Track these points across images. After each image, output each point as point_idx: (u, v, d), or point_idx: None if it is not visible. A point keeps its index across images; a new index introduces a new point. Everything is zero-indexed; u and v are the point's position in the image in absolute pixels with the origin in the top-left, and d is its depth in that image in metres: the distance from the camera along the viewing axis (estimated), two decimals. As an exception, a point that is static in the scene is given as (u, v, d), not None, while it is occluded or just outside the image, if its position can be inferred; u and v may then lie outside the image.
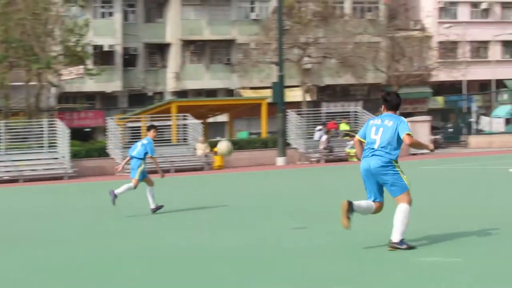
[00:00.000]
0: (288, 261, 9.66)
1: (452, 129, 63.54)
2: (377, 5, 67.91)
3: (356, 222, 10.07)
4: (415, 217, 13.51)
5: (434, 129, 56.96)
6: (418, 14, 69.20)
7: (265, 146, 44.39)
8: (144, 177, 16.74)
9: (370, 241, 10.65)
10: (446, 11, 71.68)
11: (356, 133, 40.03)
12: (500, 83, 70.50)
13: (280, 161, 42.07)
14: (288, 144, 44.05)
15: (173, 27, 62.74)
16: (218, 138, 45.42)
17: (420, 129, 49.17)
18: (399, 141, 9.82)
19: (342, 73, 59.79)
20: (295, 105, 53.64)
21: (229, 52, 64.60)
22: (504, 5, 72.99)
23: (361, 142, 10.22)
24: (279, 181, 28.37)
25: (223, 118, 56.89)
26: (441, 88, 69.82)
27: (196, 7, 63.66)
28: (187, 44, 63.40)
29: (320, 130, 45.66)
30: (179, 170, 38.70)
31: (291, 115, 45.67)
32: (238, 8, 64.67)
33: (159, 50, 63.82)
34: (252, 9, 65.14)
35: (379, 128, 9.93)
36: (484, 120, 62.28)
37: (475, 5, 72.43)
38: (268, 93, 47.59)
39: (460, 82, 66.65)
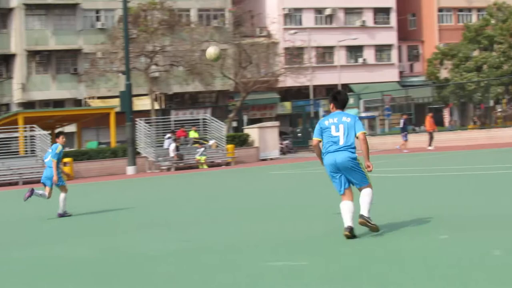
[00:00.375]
0: (137, 268, 9.37)
1: (300, 134, 64.56)
2: (223, 13, 68.30)
3: (213, 231, 9.88)
4: (263, 222, 13.48)
5: (282, 134, 57.70)
6: (264, 21, 70.03)
7: (115, 156, 43.80)
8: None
9: (219, 246, 10.53)
10: (291, 17, 72.86)
11: (206, 140, 40.02)
12: (346, 88, 72.18)
13: (130, 170, 41.63)
14: (138, 153, 43.69)
15: (18, 38, 61.16)
16: (67, 149, 44.48)
17: (269, 134, 49.70)
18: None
19: (190, 81, 59.72)
20: (144, 113, 53.19)
21: (76, 61, 63.55)
22: (348, 11, 74.84)
23: (319, 143, 10.72)
24: (129, 190, 27.87)
25: (71, 128, 55.85)
26: (288, 93, 70.92)
27: (40, 17, 62.26)
28: (32, 54, 61.93)
29: (169, 138, 45.48)
30: (28, 182, 37.61)
31: (140, 123, 45.29)
32: (84, 18, 63.68)
33: (4, 61, 62.11)
34: (98, 18, 64.25)
35: (338, 125, 10.51)
36: (332, 124, 63.37)
37: (319, 11, 73.92)
38: (116, 102, 47.04)
39: (307, 87, 67.84)
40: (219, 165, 45.62)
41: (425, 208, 13.40)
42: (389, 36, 75.80)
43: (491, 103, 62.82)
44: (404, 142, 43.69)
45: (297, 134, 64.94)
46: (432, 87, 62.24)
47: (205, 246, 10.85)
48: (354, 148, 10.55)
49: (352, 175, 10.54)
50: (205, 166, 44.25)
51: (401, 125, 45.07)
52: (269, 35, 69.85)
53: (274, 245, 10.49)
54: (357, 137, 10.53)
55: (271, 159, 48.48)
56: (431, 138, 44.22)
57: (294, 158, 49.37)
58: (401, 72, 76.58)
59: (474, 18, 76.75)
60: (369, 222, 10.39)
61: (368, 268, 8.34)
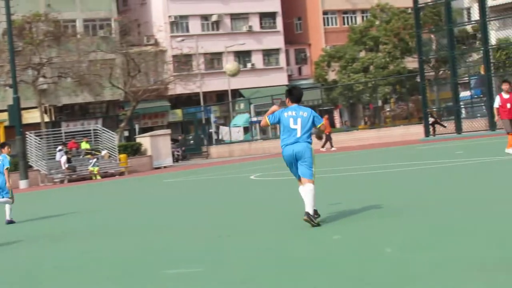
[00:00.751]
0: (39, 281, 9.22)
1: (192, 141, 64.53)
2: (109, 22, 67.68)
3: (110, 242, 9.76)
4: (159, 232, 13.44)
5: (173, 142, 57.60)
6: (151, 29, 69.74)
7: (6, 171, 42.83)
8: None
9: (117, 257, 10.46)
10: (178, 25, 72.76)
11: (98, 151, 39.48)
12: (236, 93, 72.54)
13: (22, 184, 40.99)
14: (30, 167, 42.99)
15: None
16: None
17: (162, 142, 49.54)
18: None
19: (79, 92, 59.02)
20: (34, 126, 52.31)
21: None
22: (234, 17, 75.21)
23: (266, 124, 11.83)
24: (19, 205, 27.28)
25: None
26: (179, 101, 70.78)
27: None
28: None
29: (60, 150, 44.88)
30: None
31: (30, 137, 44.56)
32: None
33: None
34: (-19, 32, 62.78)
35: (296, 118, 11.37)
36: (224, 130, 63.78)
37: (205, 17, 74.07)
38: (4, 116, 46.05)
39: (197, 94, 67.86)
40: (112, 175, 45.23)
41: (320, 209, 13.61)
42: (276, 40, 76.51)
43: (380, 103, 64.15)
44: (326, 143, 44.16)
45: (189, 141, 64.89)
46: (321, 89, 63.12)
47: (98, 257, 10.75)
48: (310, 138, 11.46)
49: (302, 162, 11.36)
50: (98, 177, 43.79)
51: None
52: (156, 43, 69.59)
53: (170, 253, 10.48)
54: (316, 128, 11.63)
55: (165, 167, 48.33)
56: (328, 139, 44.57)
57: (187, 165, 49.34)
58: (289, 76, 77.40)
59: (358, 20, 78.21)
60: (312, 221, 11.19)
61: (262, 273, 8.41)
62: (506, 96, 22.38)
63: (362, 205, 13.05)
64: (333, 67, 69.06)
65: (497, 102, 22.65)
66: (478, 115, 45.39)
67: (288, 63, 77.91)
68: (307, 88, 70.63)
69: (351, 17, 79.85)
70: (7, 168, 17.63)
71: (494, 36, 52.85)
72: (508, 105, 22.20)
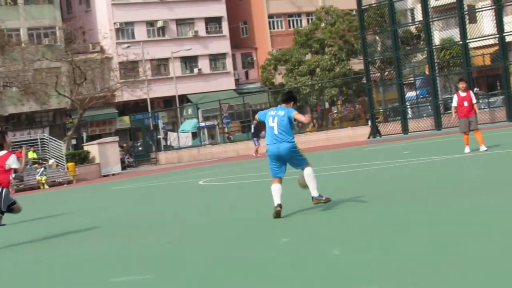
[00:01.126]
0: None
1: (141, 147, 64.26)
2: (54, 30, 67.18)
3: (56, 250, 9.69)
4: (107, 238, 13.37)
5: (121, 149, 57.33)
6: (96, 36, 69.29)
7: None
8: None
9: (62, 265, 10.40)
10: (123, 31, 72.48)
11: (45, 160, 39.18)
12: (184, 98, 72.42)
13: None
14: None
15: None
16: None
17: (110, 150, 49.30)
18: (291, 125, 12.49)
19: (25, 101, 58.42)
20: (-22, 138, 51.56)
21: None
22: (179, 22, 75.13)
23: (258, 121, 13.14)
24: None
25: None
26: (126, 107, 70.50)
27: None
28: None
29: (7, 161, 44.30)
30: None
31: (-25, 148, 43.91)
32: None
33: None
34: None
35: (274, 117, 12.54)
36: (172, 135, 63.63)
37: (151, 23, 73.87)
38: None
39: (144, 100, 67.59)
40: (60, 184, 44.88)
41: (263, 214, 13.70)
42: (222, 45, 76.60)
43: (327, 105, 64.46)
44: (257, 147, 44.28)
45: (138, 148, 64.61)
46: (268, 92, 63.29)
47: (45, 266, 10.67)
48: (292, 136, 12.53)
49: (293, 161, 12.55)
50: (46, 186, 43.43)
51: (252, 130, 45.59)
52: (102, 51, 69.18)
53: (117, 260, 10.44)
54: (295, 120, 12.57)
55: (113, 174, 48.09)
56: None
57: (136, 172, 49.15)
58: (237, 80, 77.54)
59: (304, 23, 78.62)
60: (321, 200, 12.54)
61: (215, 276, 8.43)
62: (463, 94, 22.42)
63: (312, 207, 13.13)
64: (280, 71, 69.26)
65: (454, 101, 22.65)
66: (424, 115, 45.87)
67: (235, 68, 78.03)
68: (254, 92, 70.90)
69: (297, 20, 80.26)
70: None
71: (437, 36, 53.50)
72: (465, 104, 22.27)
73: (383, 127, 44.74)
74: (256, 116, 13.18)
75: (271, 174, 12.71)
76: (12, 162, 14.01)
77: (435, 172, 18.24)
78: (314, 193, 12.54)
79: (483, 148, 21.90)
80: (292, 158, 12.53)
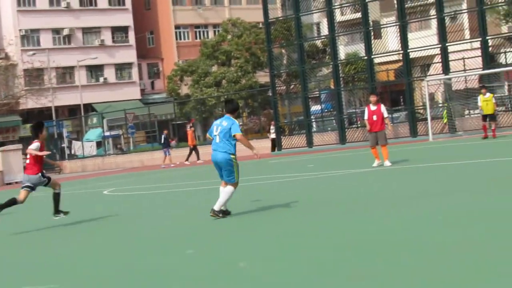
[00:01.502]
0: None
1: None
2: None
3: None
4: (10, 248, 13.19)
5: (24, 156, 56.37)
6: (1, 42, 68.06)
7: None
8: None
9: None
10: (29, 38, 71.39)
11: None
12: (89, 107, 71.73)
13: None
14: None
15: None
16: None
17: (13, 157, 48.47)
18: (232, 137, 13.20)
19: None
20: None
21: None
22: (86, 31, 74.44)
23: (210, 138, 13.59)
24: None
25: None
26: (30, 115, 69.39)
27: None
28: None
29: None
30: None
31: None
32: None
33: None
34: None
35: (218, 126, 13.35)
36: (76, 144, 62.89)
37: (57, 31, 72.98)
38: None
39: (49, 108, 66.68)
40: (-40, 193, 43.89)
41: (168, 225, 13.75)
42: (128, 55, 76.22)
43: (232, 116, 64.66)
44: (166, 157, 44.09)
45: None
46: (174, 103, 63.21)
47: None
48: (232, 148, 13.23)
49: (224, 172, 13.26)
50: None
51: (162, 140, 45.38)
52: (7, 57, 68.02)
53: (22, 269, 10.34)
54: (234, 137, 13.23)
55: (17, 182, 47.26)
56: (193, 152, 44.43)
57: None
58: (142, 90, 77.21)
59: (210, 34, 78.85)
60: (218, 216, 13.13)
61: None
62: (373, 108, 22.31)
63: (217, 219, 13.24)
64: (186, 82, 69.29)
65: (365, 114, 22.63)
66: (329, 129, 46.56)
67: (141, 77, 77.71)
68: (159, 102, 70.75)
69: (203, 31, 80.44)
70: None
71: (343, 51, 54.45)
72: (374, 117, 22.22)
73: (288, 140, 45.17)
74: (207, 135, 13.74)
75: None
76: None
77: (337, 185, 18.56)
78: (217, 207, 13.18)
79: (387, 163, 22.19)
80: (224, 169, 13.27)
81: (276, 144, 44.94)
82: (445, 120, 39.52)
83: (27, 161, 15.60)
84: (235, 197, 13.74)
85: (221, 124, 13.34)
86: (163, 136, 45.19)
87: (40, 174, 15.63)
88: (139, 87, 76.80)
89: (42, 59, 66.96)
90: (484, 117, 32.40)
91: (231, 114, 13.51)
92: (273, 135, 45.48)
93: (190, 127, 45.83)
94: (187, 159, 44.51)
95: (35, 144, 15.15)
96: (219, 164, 13.30)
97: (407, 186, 16.10)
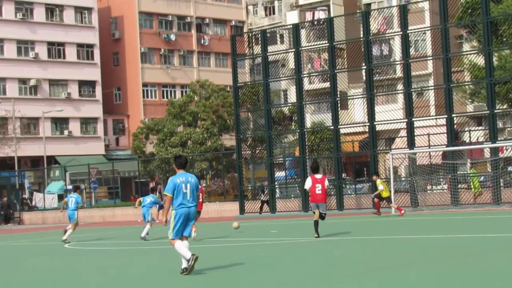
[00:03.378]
0: None
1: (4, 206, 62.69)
2: None
3: None
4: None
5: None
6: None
7: None
8: None
9: None
10: (-4, 86, 71.30)
11: None
12: (52, 159, 71.37)
13: None
14: None
15: None
16: None
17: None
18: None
19: None
20: None
21: None
22: (52, 82, 74.50)
23: (171, 198, 13.94)
24: None
25: None
26: (-8, 164, 68.89)
27: None
28: None
29: None
30: None
31: None
32: None
33: None
34: None
35: (187, 184, 13.94)
36: (38, 196, 62.43)
37: (23, 81, 73.00)
38: None
39: (12, 158, 66.27)
40: None
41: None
42: (94, 109, 76.28)
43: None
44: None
45: (2, 206, 62.98)
46: (138, 161, 63.18)
47: None
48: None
49: (191, 224, 14.05)
50: None
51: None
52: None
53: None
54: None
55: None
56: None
57: (-3, 232, 47.89)
58: (107, 146, 77.10)
59: (178, 94, 79.24)
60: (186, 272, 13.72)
61: None
62: (318, 176, 22.10)
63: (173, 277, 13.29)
64: (151, 140, 69.33)
65: (307, 184, 22.31)
66: (292, 195, 46.75)
67: (106, 133, 77.67)
68: (124, 159, 70.66)
69: (171, 91, 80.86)
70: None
71: (309, 119, 55.02)
72: (318, 187, 21.92)
73: (251, 204, 45.26)
74: (167, 194, 13.96)
75: (175, 235, 13.89)
76: None
77: (298, 253, 18.68)
78: (184, 264, 13.86)
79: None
80: (192, 220, 14.11)
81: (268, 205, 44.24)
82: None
83: None
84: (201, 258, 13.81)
85: (189, 181, 14.03)
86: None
87: None
88: (104, 143, 76.71)
89: (7, 108, 66.77)
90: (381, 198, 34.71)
91: (184, 169, 14.28)
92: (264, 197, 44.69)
93: (155, 185, 45.77)
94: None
95: None
96: (191, 216, 13.99)
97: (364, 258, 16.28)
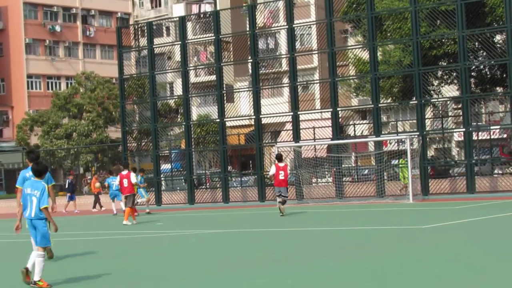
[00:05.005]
0: None
1: None
2: None
3: None
4: None
5: None
6: None
7: None
8: None
9: None
10: None
11: None
12: None
13: None
14: None
15: None
16: None
17: None
18: None
19: None
20: None
21: None
22: None
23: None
24: None
25: None
26: None
27: None
28: None
29: None
30: None
31: None
32: None
33: None
34: None
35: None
36: None
37: None
38: None
39: None
40: None
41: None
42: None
43: (81, 170, 63.86)
44: (69, 203, 43.00)
45: None
46: (22, 152, 61.77)
47: None
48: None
49: (38, 233, 12.13)
50: None
51: (67, 185, 44.11)
52: None
53: None
54: None
55: None
56: (97, 200, 43.51)
57: None
58: (-11, 137, 75.24)
59: (63, 86, 77.91)
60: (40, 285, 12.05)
61: None
62: (281, 164, 26.64)
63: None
64: (36, 132, 68.00)
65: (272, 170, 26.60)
66: (178, 188, 46.58)
67: (-13, 125, 75.72)
68: (8, 151, 69.04)
69: (56, 82, 79.47)
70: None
71: (195, 112, 54.89)
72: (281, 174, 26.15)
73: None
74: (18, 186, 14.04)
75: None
76: None
77: (185, 246, 18.61)
78: (36, 277, 12.10)
79: None
80: (38, 230, 12.25)
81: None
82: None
83: None
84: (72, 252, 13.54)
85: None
86: (67, 181, 44.17)
87: None
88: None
89: None
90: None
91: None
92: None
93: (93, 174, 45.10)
94: (94, 206, 43.52)
95: None
96: (34, 224, 12.38)
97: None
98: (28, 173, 13.47)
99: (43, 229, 12.07)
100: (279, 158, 27.25)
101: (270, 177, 28.73)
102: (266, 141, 45.25)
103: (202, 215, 32.79)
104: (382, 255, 14.04)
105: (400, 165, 37.77)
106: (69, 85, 75.85)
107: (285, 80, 45.55)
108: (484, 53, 39.65)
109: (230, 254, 16.00)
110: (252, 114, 41.35)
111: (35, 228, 12.16)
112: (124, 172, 28.51)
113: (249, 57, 41.77)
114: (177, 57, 46.70)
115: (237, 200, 41.15)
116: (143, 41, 46.08)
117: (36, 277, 12.07)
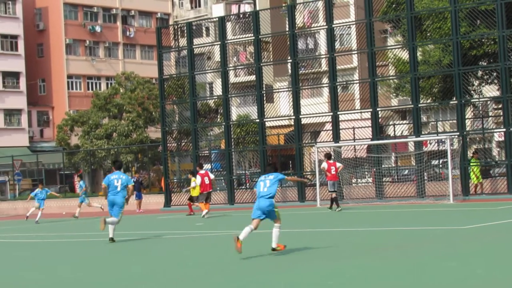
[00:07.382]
0: None
1: None
2: None
3: None
4: None
5: None
6: None
7: None
8: None
9: None
10: None
11: None
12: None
13: None
14: None
15: None
16: None
17: None
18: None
19: None
20: None
21: None
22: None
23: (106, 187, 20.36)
24: None
25: None
26: None
27: None
28: None
29: None
30: None
31: None
32: None
33: None
34: None
35: (118, 179, 20.69)
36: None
37: None
38: None
39: None
40: None
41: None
42: (18, 101, 75.10)
43: (122, 170, 64.24)
44: (139, 202, 43.75)
45: None
46: (63, 153, 62.37)
47: None
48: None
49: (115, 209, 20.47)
50: None
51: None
52: None
53: None
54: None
55: None
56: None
57: None
58: (31, 137, 76.01)
59: (103, 86, 78.52)
60: None
61: None
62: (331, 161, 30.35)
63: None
64: (76, 132, 68.59)
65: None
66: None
67: (30, 125, 76.52)
68: (48, 151, 69.75)
69: (96, 83, 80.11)
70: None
71: (235, 112, 55.02)
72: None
73: (177, 197, 45.05)
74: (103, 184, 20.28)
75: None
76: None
77: (223, 246, 18.70)
78: None
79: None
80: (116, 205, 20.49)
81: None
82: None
83: None
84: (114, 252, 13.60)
85: (121, 178, 20.58)
86: (133, 180, 44.36)
87: None
88: (28, 134, 75.57)
89: None
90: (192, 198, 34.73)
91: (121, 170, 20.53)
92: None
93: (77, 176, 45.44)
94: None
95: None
96: (115, 202, 20.48)
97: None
98: (113, 176, 20.49)
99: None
100: (329, 156, 31.50)
101: (322, 169, 32.14)
102: (306, 142, 45.22)
103: (243, 215, 32.86)
104: (423, 256, 14.04)
105: (472, 164, 36.84)
106: (109, 85, 76.45)
107: (325, 80, 45.51)
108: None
109: (270, 253, 16.08)
110: (292, 114, 41.35)
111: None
112: (202, 171, 32.48)
113: (289, 57, 41.79)
114: (217, 57, 46.84)
115: (277, 201, 40.89)
116: (183, 42, 46.27)
117: (273, 244, 15.16)
